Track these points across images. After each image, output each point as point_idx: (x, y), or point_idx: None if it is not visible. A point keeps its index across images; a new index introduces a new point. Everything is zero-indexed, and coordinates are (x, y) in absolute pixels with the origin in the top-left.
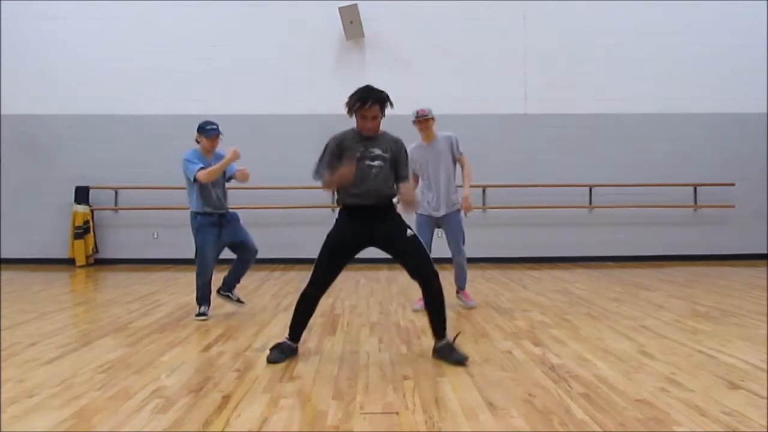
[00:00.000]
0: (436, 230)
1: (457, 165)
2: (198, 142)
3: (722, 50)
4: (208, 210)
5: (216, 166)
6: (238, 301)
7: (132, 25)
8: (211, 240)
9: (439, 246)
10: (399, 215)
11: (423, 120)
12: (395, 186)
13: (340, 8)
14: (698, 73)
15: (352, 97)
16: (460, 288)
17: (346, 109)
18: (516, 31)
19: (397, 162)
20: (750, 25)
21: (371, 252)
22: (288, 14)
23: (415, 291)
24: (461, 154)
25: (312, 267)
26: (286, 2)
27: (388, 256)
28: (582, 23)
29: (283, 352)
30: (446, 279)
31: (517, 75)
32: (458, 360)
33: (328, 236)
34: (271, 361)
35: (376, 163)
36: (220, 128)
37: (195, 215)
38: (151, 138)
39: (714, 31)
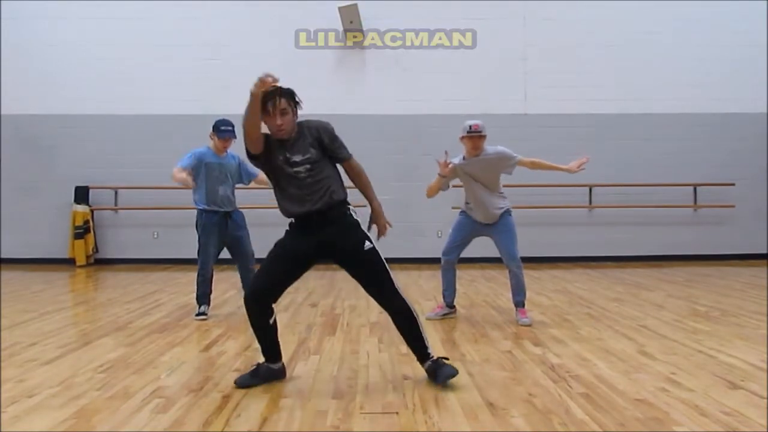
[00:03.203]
0: (478, 238)
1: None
2: (211, 139)
3: (722, 50)
4: (214, 208)
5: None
6: None
7: (132, 25)
8: (214, 239)
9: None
10: (355, 222)
11: (477, 137)
12: (337, 177)
13: (340, 8)
14: (698, 73)
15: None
16: (517, 304)
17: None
18: (516, 31)
19: (328, 148)
20: (750, 25)
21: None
22: (288, 14)
23: (415, 291)
24: (517, 162)
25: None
26: (286, 2)
27: (390, 257)
28: (582, 23)
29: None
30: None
31: (517, 75)
32: (449, 374)
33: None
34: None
35: (302, 168)
36: (235, 131)
37: (201, 213)
38: (151, 138)
39: (714, 31)
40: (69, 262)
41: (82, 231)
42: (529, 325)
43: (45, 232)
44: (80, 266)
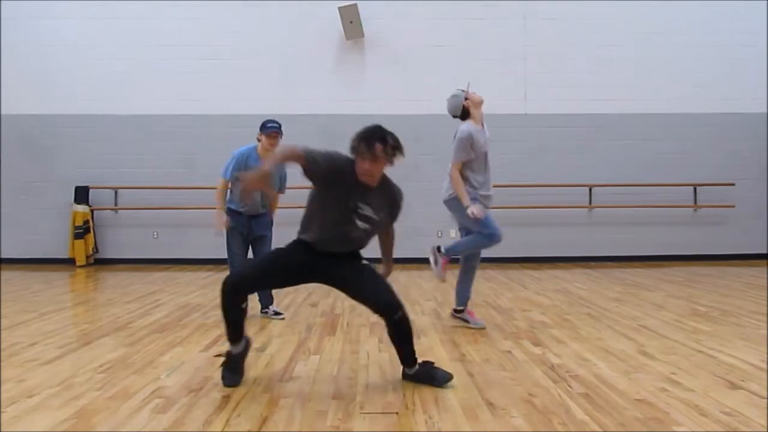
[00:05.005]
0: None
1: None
2: (259, 140)
3: (722, 50)
4: (239, 210)
5: (217, 206)
6: (276, 314)
7: (132, 25)
8: (237, 239)
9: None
10: (359, 254)
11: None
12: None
13: (340, 8)
14: (698, 73)
15: (360, 136)
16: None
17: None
18: (516, 31)
19: (390, 217)
20: (750, 25)
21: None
22: (288, 14)
23: (415, 291)
24: None
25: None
26: (286, 2)
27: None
28: (582, 23)
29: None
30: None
31: (517, 75)
32: (446, 378)
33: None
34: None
35: (361, 225)
36: (281, 128)
37: (228, 211)
38: (151, 138)
39: (714, 31)
40: (69, 262)
41: (82, 231)
42: (483, 328)
43: (45, 232)
44: (80, 266)
